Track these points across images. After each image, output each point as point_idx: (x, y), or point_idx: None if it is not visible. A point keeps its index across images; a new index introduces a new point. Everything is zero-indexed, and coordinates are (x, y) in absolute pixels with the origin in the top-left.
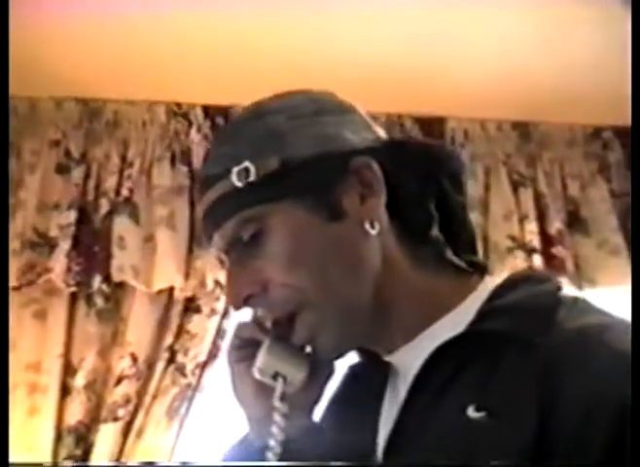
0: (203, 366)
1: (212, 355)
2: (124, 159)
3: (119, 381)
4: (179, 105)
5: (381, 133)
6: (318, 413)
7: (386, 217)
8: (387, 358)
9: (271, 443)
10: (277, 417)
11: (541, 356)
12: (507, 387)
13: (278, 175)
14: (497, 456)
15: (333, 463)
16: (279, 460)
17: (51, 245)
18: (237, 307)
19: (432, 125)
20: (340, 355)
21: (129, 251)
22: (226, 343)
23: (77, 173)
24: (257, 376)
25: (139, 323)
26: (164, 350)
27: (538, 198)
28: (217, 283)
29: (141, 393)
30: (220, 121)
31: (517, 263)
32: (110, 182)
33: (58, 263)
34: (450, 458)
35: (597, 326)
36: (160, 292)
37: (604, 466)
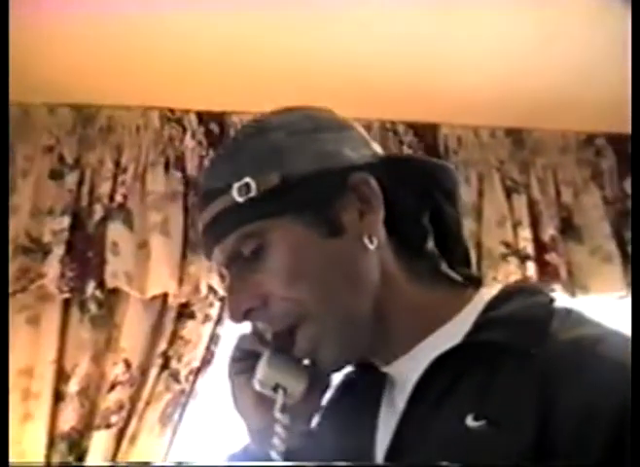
0: (197, 372)
1: (206, 361)
2: (117, 164)
3: (112, 387)
4: (173, 111)
5: (378, 149)
6: (314, 422)
7: (384, 232)
8: (384, 369)
9: (273, 455)
10: (278, 429)
11: (537, 367)
12: (505, 397)
13: (279, 191)
14: (497, 464)
15: (333, 463)
16: None
17: (44, 251)
18: (238, 321)
19: (425, 132)
20: (340, 367)
21: (123, 257)
22: (220, 350)
23: (71, 179)
24: (257, 387)
25: (133, 329)
26: (158, 356)
27: (531, 205)
28: (211, 289)
29: (134, 399)
30: (214, 127)
31: (511, 269)
32: (104, 188)
33: (52, 268)
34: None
35: (591, 337)
36: (153, 298)
37: None
